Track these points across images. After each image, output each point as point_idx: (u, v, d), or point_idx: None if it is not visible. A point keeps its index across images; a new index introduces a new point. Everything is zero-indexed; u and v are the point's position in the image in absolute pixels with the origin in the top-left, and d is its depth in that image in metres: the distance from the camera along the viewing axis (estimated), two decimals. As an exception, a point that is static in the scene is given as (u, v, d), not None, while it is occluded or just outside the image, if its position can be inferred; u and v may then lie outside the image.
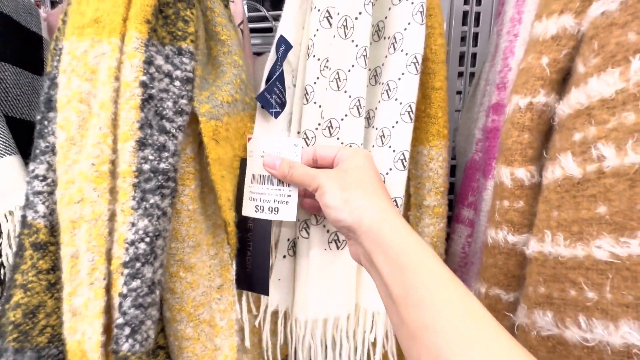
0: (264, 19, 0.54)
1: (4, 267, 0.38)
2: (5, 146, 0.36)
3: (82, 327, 0.23)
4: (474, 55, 0.46)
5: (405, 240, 0.23)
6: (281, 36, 0.29)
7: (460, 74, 0.47)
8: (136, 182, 0.22)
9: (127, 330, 0.22)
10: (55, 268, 0.25)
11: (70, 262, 0.23)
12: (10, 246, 0.38)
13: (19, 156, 0.37)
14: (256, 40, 0.57)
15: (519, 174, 0.25)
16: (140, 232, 0.22)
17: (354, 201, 0.25)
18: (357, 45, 0.29)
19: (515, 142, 0.25)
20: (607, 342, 0.20)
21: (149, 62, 0.23)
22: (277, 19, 0.51)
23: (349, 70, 0.29)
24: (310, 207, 0.31)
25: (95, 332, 0.22)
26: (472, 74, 0.47)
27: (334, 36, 0.29)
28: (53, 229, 0.25)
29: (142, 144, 0.22)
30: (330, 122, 0.29)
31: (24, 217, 0.25)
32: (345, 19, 0.28)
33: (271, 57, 0.29)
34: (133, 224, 0.22)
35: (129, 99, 0.22)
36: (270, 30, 0.55)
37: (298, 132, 0.31)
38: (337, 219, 0.26)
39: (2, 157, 0.36)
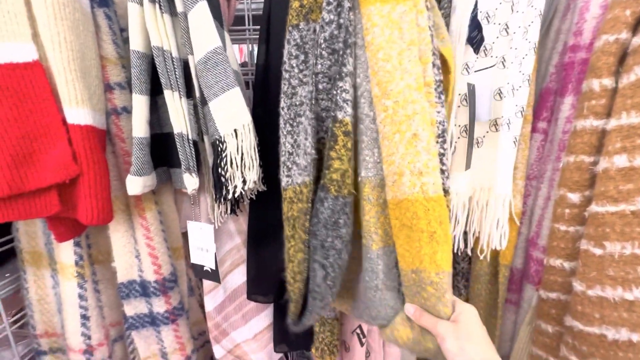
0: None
1: (224, 178, 0.52)
2: (233, 80, 0.49)
3: (421, 181, 0.38)
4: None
5: None
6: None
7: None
8: (435, 87, 0.38)
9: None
10: (351, 149, 0.41)
11: (411, 140, 0.38)
12: (234, 158, 0.51)
13: (239, 88, 0.50)
14: None
15: (605, 82, 0.43)
16: (442, 115, 0.39)
17: (467, 349, 0.36)
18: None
19: (604, 63, 0.43)
20: None
21: (428, 16, 0.38)
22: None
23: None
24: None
25: (438, 178, 0.38)
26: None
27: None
28: (354, 123, 0.41)
29: (433, 65, 0.38)
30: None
31: (335, 116, 0.40)
32: None
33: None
34: (439, 112, 0.39)
35: (424, 37, 0.38)
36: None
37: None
38: None
39: (232, 87, 0.49)
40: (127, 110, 0.54)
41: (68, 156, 0.45)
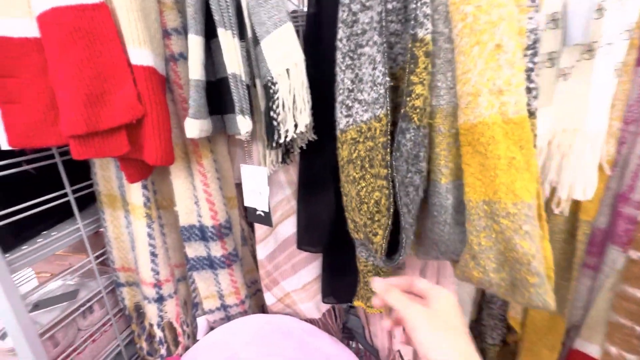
0: None
1: (276, 121, 0.51)
2: (285, 15, 0.47)
3: (500, 100, 0.34)
4: None
5: None
6: None
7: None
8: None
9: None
10: (431, 72, 0.37)
11: (493, 52, 0.33)
12: (286, 100, 0.50)
13: (291, 24, 0.48)
14: None
15: None
16: (535, 22, 0.34)
17: (443, 343, 0.30)
18: None
19: None
20: None
21: None
22: None
23: None
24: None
25: (522, 96, 0.33)
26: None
27: None
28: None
29: None
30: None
31: (415, 34, 0.37)
32: None
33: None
34: (531, 18, 0.34)
35: None
36: None
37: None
38: (428, 357, 0.30)
39: (285, 23, 0.47)
40: (184, 57, 0.56)
41: (134, 97, 0.47)
